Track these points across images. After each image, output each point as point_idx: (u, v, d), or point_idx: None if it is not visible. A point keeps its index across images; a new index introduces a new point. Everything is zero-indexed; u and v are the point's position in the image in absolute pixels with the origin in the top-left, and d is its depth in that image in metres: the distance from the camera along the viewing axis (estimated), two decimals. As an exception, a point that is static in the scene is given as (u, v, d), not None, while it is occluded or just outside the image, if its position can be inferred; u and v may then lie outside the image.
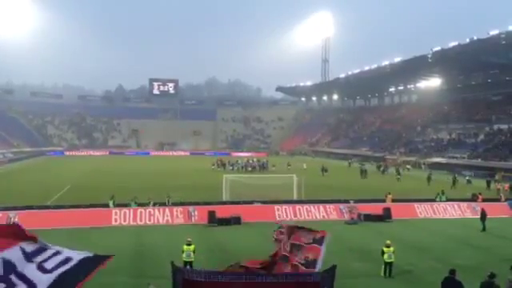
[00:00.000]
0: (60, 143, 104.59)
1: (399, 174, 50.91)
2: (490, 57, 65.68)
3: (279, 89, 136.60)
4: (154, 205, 26.79)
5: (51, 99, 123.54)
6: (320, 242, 8.66)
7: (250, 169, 58.04)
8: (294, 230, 9.21)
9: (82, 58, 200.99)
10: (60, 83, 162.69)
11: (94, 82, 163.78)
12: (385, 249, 16.22)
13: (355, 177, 51.31)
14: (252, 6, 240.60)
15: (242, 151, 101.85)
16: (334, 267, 7.01)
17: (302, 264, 8.34)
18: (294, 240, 8.89)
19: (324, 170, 54.46)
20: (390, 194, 30.63)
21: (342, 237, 21.93)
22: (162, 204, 27.08)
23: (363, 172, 52.63)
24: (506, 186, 40.78)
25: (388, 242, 16.56)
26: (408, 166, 61.58)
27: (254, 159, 68.11)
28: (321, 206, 27.76)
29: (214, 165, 59.59)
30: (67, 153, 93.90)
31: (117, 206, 26.52)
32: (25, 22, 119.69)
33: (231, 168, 57.84)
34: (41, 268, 5.25)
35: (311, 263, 8.30)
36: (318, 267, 8.12)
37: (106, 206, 26.49)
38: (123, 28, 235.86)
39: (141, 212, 25.57)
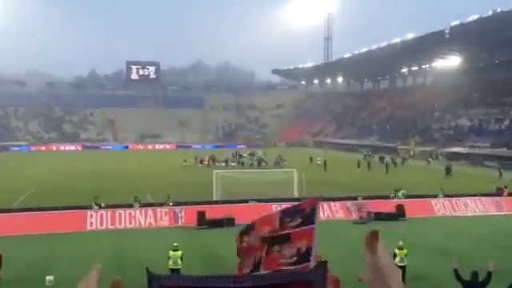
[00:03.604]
0: (25, 137, 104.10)
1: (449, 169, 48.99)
2: (516, 31, 65.81)
3: (276, 71, 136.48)
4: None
5: (13, 87, 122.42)
6: (311, 218, 7.02)
7: (234, 164, 57.61)
8: (269, 218, 7.82)
9: (47, 41, 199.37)
10: (23, 69, 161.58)
11: (63, 67, 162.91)
12: (397, 251, 16.32)
13: (366, 171, 51.74)
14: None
15: (237, 143, 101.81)
16: (325, 262, 6.95)
17: (293, 263, 7.09)
18: (274, 231, 7.24)
19: (358, 164, 54.43)
20: (403, 189, 30.81)
21: (349, 238, 22.07)
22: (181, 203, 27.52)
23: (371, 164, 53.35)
24: None
25: (400, 243, 16.64)
26: (429, 159, 61.56)
27: (260, 152, 67.46)
28: (325, 204, 27.77)
29: (185, 161, 57.02)
30: (33, 148, 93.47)
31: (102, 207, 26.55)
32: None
33: (218, 164, 57.00)
34: None
35: (304, 256, 6.98)
36: (313, 255, 7.00)
37: (80, 208, 26.44)
38: (95, 4, 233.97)
39: (120, 214, 25.59)
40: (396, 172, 50.81)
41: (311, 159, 60.24)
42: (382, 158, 61.96)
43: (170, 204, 27.40)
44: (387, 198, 30.37)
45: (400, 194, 30.62)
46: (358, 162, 55.57)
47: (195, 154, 64.57)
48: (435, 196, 30.45)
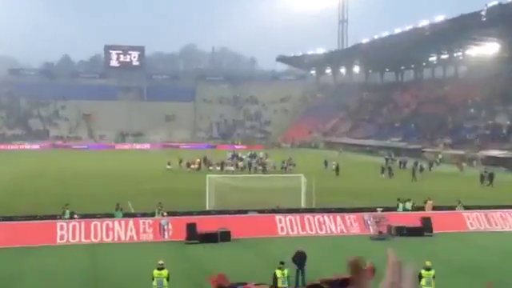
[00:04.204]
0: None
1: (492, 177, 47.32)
2: None
3: (281, 59, 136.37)
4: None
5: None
6: None
7: (232, 168, 57.53)
8: None
9: (12, 21, 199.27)
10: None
11: (30, 51, 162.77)
12: (423, 272, 16.38)
13: (388, 177, 51.82)
14: None
15: (234, 143, 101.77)
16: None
17: None
18: None
19: (381, 170, 54.42)
20: (429, 199, 30.82)
21: (366, 257, 22.00)
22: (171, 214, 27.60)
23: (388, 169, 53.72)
24: None
25: (428, 263, 16.70)
26: (464, 164, 61.61)
27: (261, 154, 67.40)
28: (338, 217, 27.86)
29: (169, 164, 57.26)
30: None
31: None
32: None
33: (212, 167, 56.72)
34: None
35: None
36: None
37: (49, 217, 26.49)
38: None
39: (95, 225, 25.59)
40: (423, 179, 50.72)
41: (326, 163, 60.05)
42: (402, 163, 61.69)
43: (165, 214, 27.32)
44: (411, 209, 30.35)
45: (406, 205, 30.20)
46: (382, 167, 55.59)
47: (183, 155, 64.37)
48: (467, 208, 30.43)
